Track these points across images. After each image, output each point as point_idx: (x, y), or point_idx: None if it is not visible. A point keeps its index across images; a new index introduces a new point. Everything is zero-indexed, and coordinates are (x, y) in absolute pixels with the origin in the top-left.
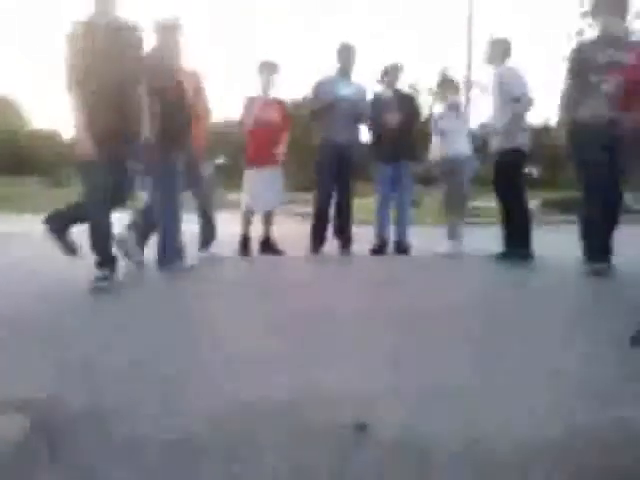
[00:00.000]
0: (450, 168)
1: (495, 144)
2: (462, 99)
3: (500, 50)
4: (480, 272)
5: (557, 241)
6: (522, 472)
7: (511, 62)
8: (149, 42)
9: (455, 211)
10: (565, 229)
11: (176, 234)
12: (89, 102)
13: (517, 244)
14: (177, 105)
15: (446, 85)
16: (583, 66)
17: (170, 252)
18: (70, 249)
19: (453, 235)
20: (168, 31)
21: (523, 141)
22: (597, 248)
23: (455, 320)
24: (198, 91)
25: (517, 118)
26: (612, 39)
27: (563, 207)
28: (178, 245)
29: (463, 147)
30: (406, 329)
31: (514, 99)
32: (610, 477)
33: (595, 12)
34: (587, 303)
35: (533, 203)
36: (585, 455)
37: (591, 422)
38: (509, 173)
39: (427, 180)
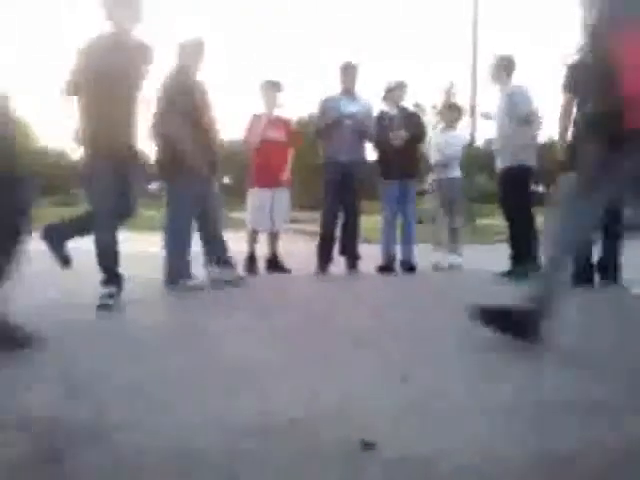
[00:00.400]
0: (446, 189)
1: (501, 161)
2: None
3: (504, 67)
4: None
5: None
6: None
7: (516, 80)
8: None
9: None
10: None
11: (183, 253)
12: (95, 113)
13: (523, 261)
14: (203, 125)
15: (452, 109)
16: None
17: (176, 270)
18: (64, 261)
19: (452, 249)
20: (192, 51)
21: (529, 158)
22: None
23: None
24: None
25: (526, 136)
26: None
27: None
28: (185, 264)
29: (457, 169)
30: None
31: (524, 119)
32: None
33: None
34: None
35: (540, 220)
36: None
37: None
38: (516, 190)
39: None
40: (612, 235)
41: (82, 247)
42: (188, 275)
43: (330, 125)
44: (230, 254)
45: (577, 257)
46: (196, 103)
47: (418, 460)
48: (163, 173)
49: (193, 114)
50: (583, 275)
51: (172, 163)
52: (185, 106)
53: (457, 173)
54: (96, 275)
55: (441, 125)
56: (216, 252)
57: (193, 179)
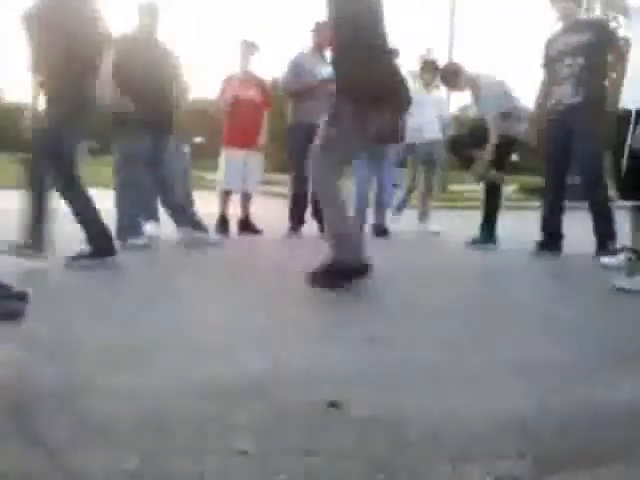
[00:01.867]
0: (423, 152)
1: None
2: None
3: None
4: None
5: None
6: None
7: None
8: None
9: (425, 195)
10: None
11: (131, 210)
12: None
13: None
14: (154, 82)
15: (427, 67)
16: (549, 57)
17: (124, 228)
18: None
19: (424, 217)
20: (147, 12)
21: (513, 128)
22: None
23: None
24: (176, 69)
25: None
26: (569, 24)
27: (539, 192)
28: (134, 221)
29: (436, 131)
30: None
31: (503, 114)
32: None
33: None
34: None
35: (509, 188)
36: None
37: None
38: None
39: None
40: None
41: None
42: (137, 233)
43: (307, 89)
44: (197, 214)
45: (546, 225)
46: (146, 60)
47: (385, 422)
48: (112, 129)
49: (142, 71)
50: (551, 243)
51: (115, 119)
52: (132, 63)
53: (433, 136)
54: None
55: (418, 86)
56: (182, 213)
57: (138, 136)
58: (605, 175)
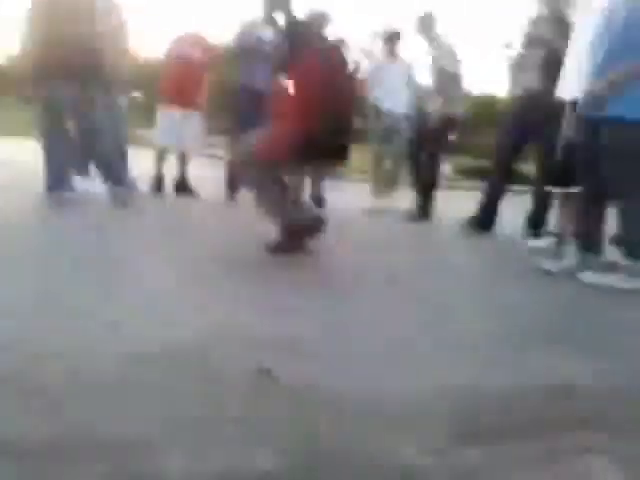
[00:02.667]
0: (388, 125)
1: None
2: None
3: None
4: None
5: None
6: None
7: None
8: None
9: (387, 172)
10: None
11: (57, 162)
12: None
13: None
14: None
15: (393, 36)
16: (524, 41)
17: (51, 180)
18: None
19: (378, 194)
20: None
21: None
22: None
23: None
24: (120, 25)
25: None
26: (540, 15)
27: (472, 173)
28: (61, 174)
29: (401, 103)
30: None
31: (449, 76)
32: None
33: None
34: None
35: (446, 168)
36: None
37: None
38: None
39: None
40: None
41: None
42: (67, 187)
43: (247, 50)
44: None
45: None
46: (64, 8)
47: (320, 393)
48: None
49: (59, 19)
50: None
51: (35, 68)
52: (49, 11)
53: (396, 109)
54: None
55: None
56: (107, 168)
57: (56, 86)
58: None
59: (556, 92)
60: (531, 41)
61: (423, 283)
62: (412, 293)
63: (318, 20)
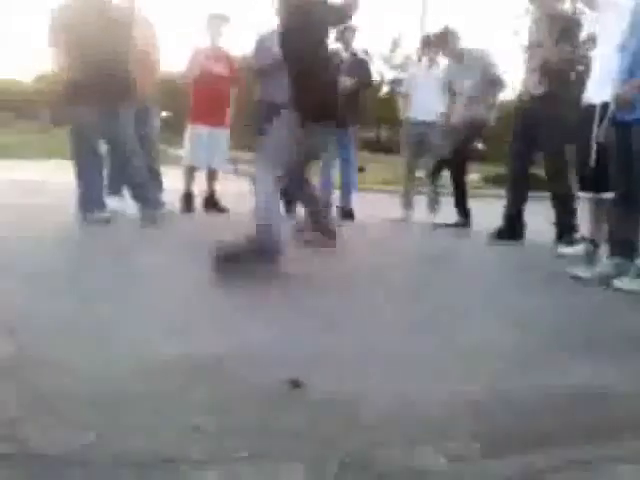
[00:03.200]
0: (417, 133)
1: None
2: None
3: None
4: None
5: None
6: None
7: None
8: None
9: (415, 180)
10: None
11: (89, 183)
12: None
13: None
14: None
15: (435, 41)
16: (527, 46)
17: (85, 201)
18: None
19: (406, 203)
20: None
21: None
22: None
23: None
24: (149, 40)
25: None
26: (544, 15)
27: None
28: (92, 194)
29: (434, 112)
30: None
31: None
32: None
33: None
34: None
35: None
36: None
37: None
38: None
39: (374, 145)
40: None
41: None
42: (99, 207)
43: (271, 66)
44: (159, 191)
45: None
46: (94, 26)
47: (339, 404)
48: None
49: (88, 38)
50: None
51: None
52: (77, 30)
53: (428, 117)
54: None
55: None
56: (139, 188)
57: (88, 107)
58: (567, 167)
59: (561, 95)
60: (531, 44)
61: (453, 292)
62: (441, 300)
63: (347, 34)
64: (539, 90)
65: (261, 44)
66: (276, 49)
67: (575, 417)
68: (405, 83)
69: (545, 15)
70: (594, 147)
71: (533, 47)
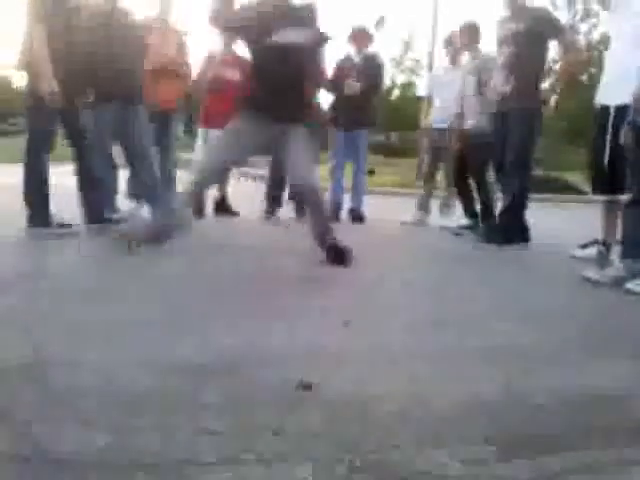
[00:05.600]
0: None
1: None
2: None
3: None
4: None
5: None
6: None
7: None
8: None
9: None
10: None
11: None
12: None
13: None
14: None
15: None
16: (496, 44)
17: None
18: None
19: (424, 206)
20: None
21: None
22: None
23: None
24: (180, 48)
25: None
26: (512, 12)
27: None
28: (104, 197)
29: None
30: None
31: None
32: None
33: None
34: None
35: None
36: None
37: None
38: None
39: (386, 148)
40: None
41: None
42: (111, 210)
43: None
44: (174, 195)
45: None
46: (107, 30)
47: (354, 404)
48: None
49: (103, 41)
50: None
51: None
52: (92, 33)
53: (439, 125)
54: None
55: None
56: (151, 191)
57: (101, 106)
58: (529, 165)
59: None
60: (504, 39)
61: (467, 293)
62: (456, 300)
63: (365, 37)
64: (504, 88)
65: None
66: None
67: (591, 420)
68: (427, 86)
69: (510, 11)
70: (607, 149)
71: (501, 44)
